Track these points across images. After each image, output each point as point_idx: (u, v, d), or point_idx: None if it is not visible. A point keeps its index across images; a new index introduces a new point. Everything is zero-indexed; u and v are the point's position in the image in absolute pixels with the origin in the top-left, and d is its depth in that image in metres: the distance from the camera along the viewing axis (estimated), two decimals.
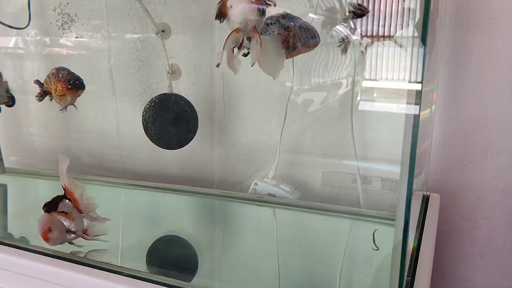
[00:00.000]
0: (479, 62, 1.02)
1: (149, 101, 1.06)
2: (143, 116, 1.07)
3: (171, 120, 1.05)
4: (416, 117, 0.56)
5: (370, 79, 1.03)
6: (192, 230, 1.06)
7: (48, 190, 1.30)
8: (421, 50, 0.54)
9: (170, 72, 1.05)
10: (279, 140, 1.11)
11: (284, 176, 1.15)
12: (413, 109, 0.57)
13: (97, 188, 1.24)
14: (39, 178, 1.31)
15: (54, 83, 0.97)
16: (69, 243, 0.85)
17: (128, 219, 1.11)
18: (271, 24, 0.79)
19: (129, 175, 1.30)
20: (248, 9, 0.70)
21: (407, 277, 0.70)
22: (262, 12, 0.71)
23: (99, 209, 0.86)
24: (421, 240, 0.87)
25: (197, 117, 1.07)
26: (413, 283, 0.72)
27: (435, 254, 1.14)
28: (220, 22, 0.73)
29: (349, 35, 0.91)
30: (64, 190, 0.82)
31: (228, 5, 0.71)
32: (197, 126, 1.07)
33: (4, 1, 1.28)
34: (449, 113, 1.07)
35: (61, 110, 1.00)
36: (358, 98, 1.06)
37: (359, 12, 0.85)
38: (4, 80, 1.11)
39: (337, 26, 0.90)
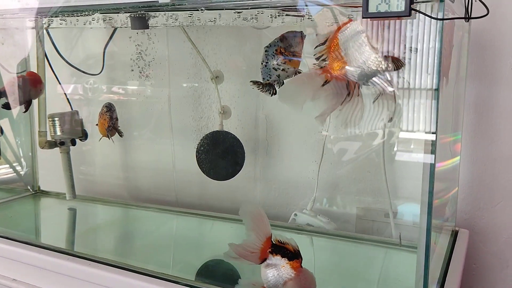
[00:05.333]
0: (504, 108, 1.09)
1: (203, 137, 1.20)
2: (196, 149, 1.21)
3: (220, 154, 1.19)
4: (432, 166, 0.65)
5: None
6: None
7: (108, 214, 1.45)
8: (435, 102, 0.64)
9: (222, 112, 1.20)
10: (317, 175, 1.20)
11: (322, 210, 1.23)
12: (430, 158, 0.66)
13: (151, 214, 1.37)
14: (101, 204, 1.46)
15: None
16: None
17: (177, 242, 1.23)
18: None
19: (180, 205, 1.42)
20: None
21: None
22: None
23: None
24: (447, 270, 0.92)
25: (244, 152, 1.19)
26: None
27: None
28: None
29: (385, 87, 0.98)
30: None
31: None
32: (244, 160, 1.20)
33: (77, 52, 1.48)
34: (477, 155, 1.13)
35: None
36: (395, 149, 1.15)
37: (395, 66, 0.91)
38: (80, 118, 1.28)
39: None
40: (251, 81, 0.86)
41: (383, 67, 0.65)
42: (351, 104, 0.66)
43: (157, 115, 1.39)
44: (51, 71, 1.33)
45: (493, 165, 1.13)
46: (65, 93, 1.33)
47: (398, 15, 0.57)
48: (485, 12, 0.66)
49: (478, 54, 1.10)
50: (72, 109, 1.30)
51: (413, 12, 0.58)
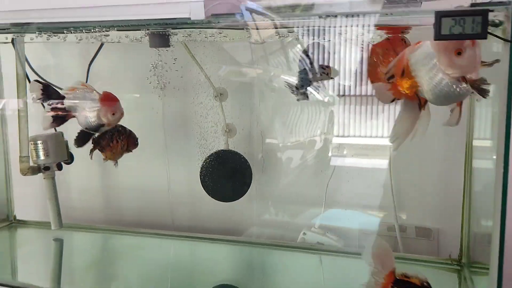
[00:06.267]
0: None
1: (208, 157, 1.15)
2: (201, 170, 1.15)
3: (228, 174, 1.14)
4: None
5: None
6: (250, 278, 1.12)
7: (100, 243, 1.34)
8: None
9: (227, 130, 1.16)
10: (325, 192, 1.19)
11: (325, 226, 1.21)
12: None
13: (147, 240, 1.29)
14: (90, 232, 1.34)
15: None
16: None
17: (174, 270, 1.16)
18: None
19: (177, 228, 1.34)
20: None
21: None
22: None
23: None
24: None
25: (251, 171, 1.16)
26: None
27: None
28: None
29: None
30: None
31: None
32: (251, 179, 1.16)
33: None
34: None
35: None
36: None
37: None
38: (65, 139, 1.17)
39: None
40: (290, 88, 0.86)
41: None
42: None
43: (151, 133, 1.31)
44: None
45: None
46: None
47: (474, 38, 0.58)
48: None
49: None
50: (56, 130, 1.18)
51: None
